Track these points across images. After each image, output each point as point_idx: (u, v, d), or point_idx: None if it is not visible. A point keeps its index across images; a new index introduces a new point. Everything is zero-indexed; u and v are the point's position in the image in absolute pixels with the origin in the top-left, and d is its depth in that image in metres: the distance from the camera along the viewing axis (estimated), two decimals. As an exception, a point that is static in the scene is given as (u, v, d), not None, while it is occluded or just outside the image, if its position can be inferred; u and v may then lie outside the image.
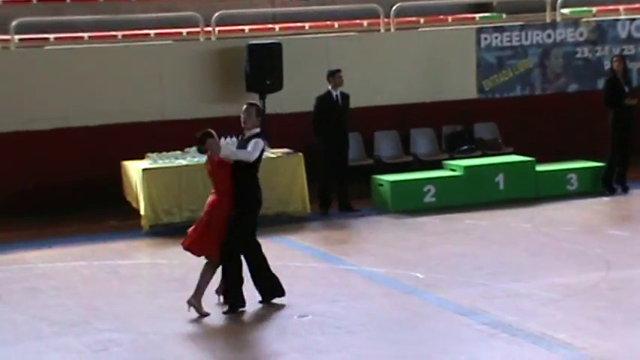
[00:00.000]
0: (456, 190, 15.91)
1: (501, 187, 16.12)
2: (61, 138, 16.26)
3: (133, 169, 15.14)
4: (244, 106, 10.96)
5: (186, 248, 10.93)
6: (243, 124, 10.89)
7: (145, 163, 15.03)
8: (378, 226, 14.93)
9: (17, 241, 14.42)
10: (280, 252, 13.32)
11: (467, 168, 16.15)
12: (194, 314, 10.66)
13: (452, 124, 18.15)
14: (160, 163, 15.01)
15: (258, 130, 10.89)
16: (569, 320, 10.04)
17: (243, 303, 10.87)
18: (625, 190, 16.45)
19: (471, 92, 18.34)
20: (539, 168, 16.38)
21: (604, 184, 16.42)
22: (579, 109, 18.44)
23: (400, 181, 15.93)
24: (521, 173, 16.27)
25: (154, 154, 15.14)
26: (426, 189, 15.86)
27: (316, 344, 9.79)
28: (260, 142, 10.80)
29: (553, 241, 13.44)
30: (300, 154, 15.40)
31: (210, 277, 10.84)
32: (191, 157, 15.07)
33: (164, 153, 15.22)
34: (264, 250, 11.04)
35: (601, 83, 17.59)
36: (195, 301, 10.72)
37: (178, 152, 15.27)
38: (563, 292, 10.96)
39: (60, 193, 16.00)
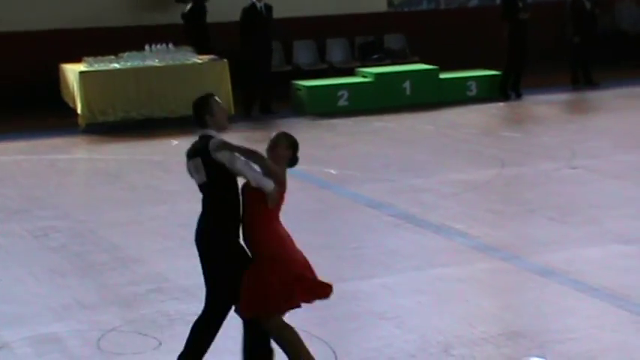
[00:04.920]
0: (366, 95, 15.87)
1: (408, 92, 16.12)
2: (3, 42, 15.84)
3: (71, 72, 14.91)
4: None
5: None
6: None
7: (82, 66, 14.74)
8: (296, 126, 14.80)
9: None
10: (207, 149, 13.19)
11: (377, 75, 16.11)
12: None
13: (364, 35, 18.05)
14: (96, 67, 14.74)
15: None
16: (466, 212, 10.13)
17: None
18: (519, 96, 16.56)
19: (381, 6, 18.20)
20: (442, 75, 16.37)
21: (500, 91, 16.50)
22: (479, 22, 18.41)
23: (316, 86, 15.84)
24: (425, 80, 16.26)
25: (90, 58, 14.84)
26: (339, 93, 15.80)
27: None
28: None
29: (453, 142, 13.50)
30: (225, 60, 15.17)
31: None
32: (124, 62, 14.83)
33: (99, 57, 14.91)
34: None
35: (499, -1, 17.56)
36: None
37: (112, 57, 14.96)
38: (461, 187, 11.04)
39: (1, 93, 15.63)
